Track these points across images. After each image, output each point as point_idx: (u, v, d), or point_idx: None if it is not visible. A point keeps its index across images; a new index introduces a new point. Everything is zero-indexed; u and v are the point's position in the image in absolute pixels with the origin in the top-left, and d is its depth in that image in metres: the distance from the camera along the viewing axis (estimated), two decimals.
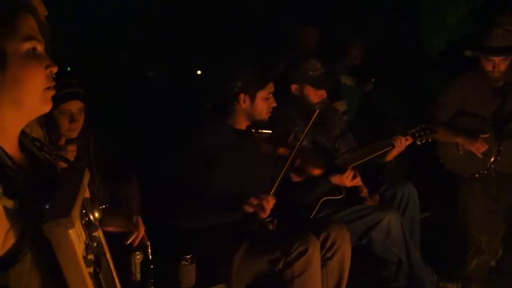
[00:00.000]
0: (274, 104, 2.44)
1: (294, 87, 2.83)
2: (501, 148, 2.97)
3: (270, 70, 2.51)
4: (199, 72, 4.08)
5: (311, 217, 2.64)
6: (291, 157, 2.31)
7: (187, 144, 2.36)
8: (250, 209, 2.17)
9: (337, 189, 2.67)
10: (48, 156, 1.16)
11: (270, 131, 2.41)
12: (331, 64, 3.60)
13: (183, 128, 2.54)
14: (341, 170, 2.59)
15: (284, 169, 2.27)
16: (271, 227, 2.39)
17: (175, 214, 2.26)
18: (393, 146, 2.80)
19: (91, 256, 1.04)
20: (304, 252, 2.13)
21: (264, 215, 2.18)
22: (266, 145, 2.43)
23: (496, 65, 2.85)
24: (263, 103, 2.39)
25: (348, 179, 2.58)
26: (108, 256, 1.25)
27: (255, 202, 2.16)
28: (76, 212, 1.00)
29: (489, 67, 2.87)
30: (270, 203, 2.16)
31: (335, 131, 2.95)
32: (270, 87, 2.42)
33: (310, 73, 2.78)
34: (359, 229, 2.58)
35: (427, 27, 4.00)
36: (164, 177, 2.37)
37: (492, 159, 2.98)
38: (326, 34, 4.01)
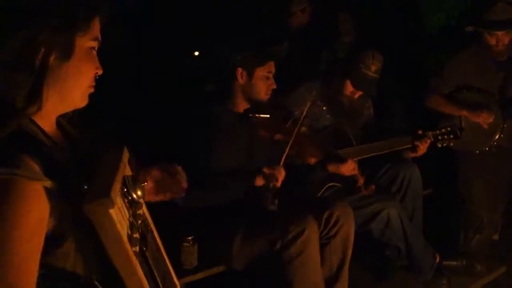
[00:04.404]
0: (274, 86, 2.37)
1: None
2: (505, 126, 2.95)
3: (272, 47, 2.40)
4: (196, 53, 3.97)
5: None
6: (290, 143, 2.27)
7: (188, 128, 2.31)
8: (261, 181, 2.19)
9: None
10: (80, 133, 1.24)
11: (268, 115, 2.36)
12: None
13: (182, 113, 2.47)
14: (340, 160, 2.56)
15: (285, 153, 2.26)
16: (272, 207, 2.35)
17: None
18: (415, 148, 2.75)
19: (136, 235, 1.04)
20: (301, 233, 2.13)
21: (277, 184, 2.18)
22: (264, 129, 2.38)
23: (500, 38, 2.82)
24: (261, 82, 2.33)
25: (344, 169, 2.55)
26: (156, 234, 1.24)
27: (267, 171, 2.18)
28: (115, 190, 0.99)
29: (492, 42, 2.85)
30: (282, 173, 2.18)
31: (361, 119, 2.89)
32: (271, 65, 2.35)
33: (361, 65, 2.68)
34: (358, 220, 2.51)
35: (426, 2, 3.93)
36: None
37: (496, 137, 2.96)
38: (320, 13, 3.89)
